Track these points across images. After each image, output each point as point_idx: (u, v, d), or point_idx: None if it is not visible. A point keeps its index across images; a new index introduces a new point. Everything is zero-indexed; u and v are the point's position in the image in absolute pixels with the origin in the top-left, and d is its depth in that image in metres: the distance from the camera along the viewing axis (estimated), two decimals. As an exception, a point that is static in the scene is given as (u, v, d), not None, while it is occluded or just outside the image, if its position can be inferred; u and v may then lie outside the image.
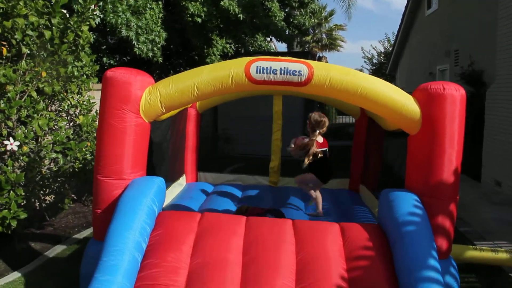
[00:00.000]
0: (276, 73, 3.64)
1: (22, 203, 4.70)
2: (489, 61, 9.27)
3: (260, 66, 3.63)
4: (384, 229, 3.70)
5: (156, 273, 3.20)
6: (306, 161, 5.02)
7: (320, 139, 5.09)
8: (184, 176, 6.42)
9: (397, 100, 3.64)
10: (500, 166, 7.89)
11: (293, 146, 5.14)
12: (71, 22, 5.31)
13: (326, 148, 5.18)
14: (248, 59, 3.70)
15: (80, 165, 5.47)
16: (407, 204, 3.55)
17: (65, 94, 5.65)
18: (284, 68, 3.63)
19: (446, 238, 3.63)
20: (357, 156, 6.36)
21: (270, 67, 3.63)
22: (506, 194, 7.63)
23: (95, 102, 6.10)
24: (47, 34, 5.02)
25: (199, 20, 11.68)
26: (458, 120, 3.59)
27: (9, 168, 4.52)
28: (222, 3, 11.69)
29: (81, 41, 5.51)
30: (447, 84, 3.62)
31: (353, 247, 3.50)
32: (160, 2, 11.48)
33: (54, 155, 5.16)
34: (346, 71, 3.66)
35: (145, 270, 3.24)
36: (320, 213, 5.23)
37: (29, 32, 4.89)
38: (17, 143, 4.59)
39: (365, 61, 28.33)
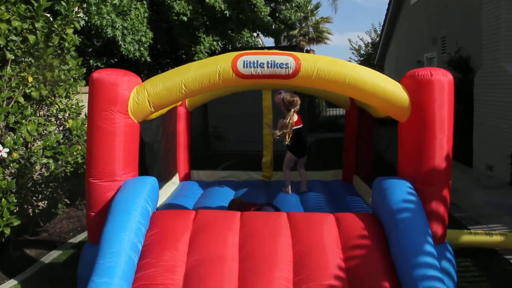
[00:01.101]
0: (264, 67, 3.63)
1: (15, 210, 4.65)
2: (476, 47, 9.31)
3: (247, 60, 3.62)
4: (379, 217, 3.71)
5: (153, 272, 3.19)
6: (288, 138, 5.35)
7: (295, 117, 5.37)
8: (177, 175, 6.40)
9: (385, 88, 3.64)
10: (491, 150, 7.95)
11: (277, 131, 5.42)
12: (55, 26, 5.26)
13: (301, 126, 5.55)
14: (234, 53, 3.69)
15: (72, 169, 5.43)
16: (400, 191, 3.56)
17: (53, 98, 5.60)
18: (271, 61, 3.62)
19: (440, 224, 3.64)
20: (349, 147, 6.37)
21: (257, 61, 3.62)
22: (497, 178, 7.69)
23: (83, 105, 6.05)
24: (31, 38, 4.96)
25: (185, 18, 11.63)
26: (447, 105, 3.60)
27: (-1, 175, 4.49)
28: (207, 0, 11.65)
29: (67, 44, 5.46)
30: (434, 70, 3.63)
31: (349, 237, 3.51)
32: (145, 2, 11.42)
33: (45, 160, 5.11)
34: (333, 61, 3.66)
35: (142, 271, 3.23)
36: (287, 192, 5.70)
37: (13, 37, 4.84)
38: (7, 149, 4.54)
39: (353, 53, 28.48)
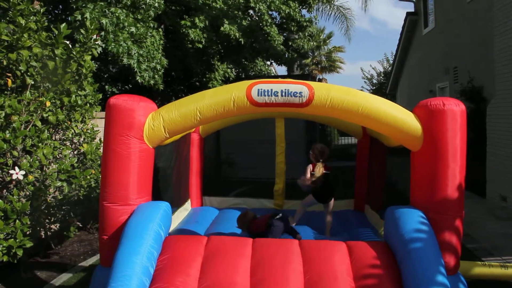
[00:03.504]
0: (278, 95, 3.68)
1: (28, 232, 4.70)
2: (488, 76, 9.33)
3: (261, 89, 3.68)
4: (391, 247, 3.68)
5: (164, 297, 3.19)
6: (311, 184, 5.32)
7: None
8: (189, 201, 6.42)
9: (398, 117, 3.67)
10: (504, 181, 7.87)
11: (305, 179, 5.35)
12: (74, 52, 5.40)
13: (328, 171, 5.41)
14: (249, 82, 3.75)
15: (85, 193, 5.48)
16: (413, 220, 3.55)
17: (69, 123, 5.70)
18: (285, 90, 3.68)
19: (453, 254, 3.61)
20: (361, 176, 6.36)
21: (271, 90, 3.67)
22: (511, 208, 7.60)
23: (98, 130, 6.16)
24: (51, 64, 5.10)
25: (200, 46, 11.81)
26: (459, 134, 3.61)
27: (14, 197, 4.55)
28: (222, 28, 11.84)
29: (84, 71, 5.60)
30: (447, 99, 3.65)
31: (361, 266, 3.49)
32: (160, 30, 11.63)
33: (59, 184, 5.18)
34: (346, 91, 3.71)
35: (153, 295, 3.23)
36: (292, 222, 5.46)
37: (33, 63, 4.98)
38: (23, 172, 4.62)
39: (365, 82, 28.44)
